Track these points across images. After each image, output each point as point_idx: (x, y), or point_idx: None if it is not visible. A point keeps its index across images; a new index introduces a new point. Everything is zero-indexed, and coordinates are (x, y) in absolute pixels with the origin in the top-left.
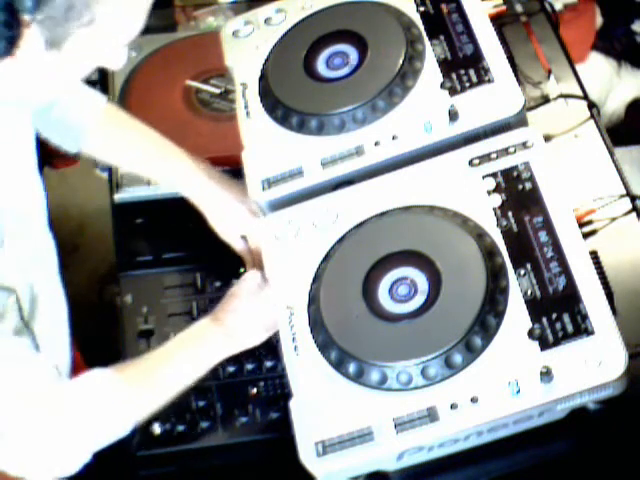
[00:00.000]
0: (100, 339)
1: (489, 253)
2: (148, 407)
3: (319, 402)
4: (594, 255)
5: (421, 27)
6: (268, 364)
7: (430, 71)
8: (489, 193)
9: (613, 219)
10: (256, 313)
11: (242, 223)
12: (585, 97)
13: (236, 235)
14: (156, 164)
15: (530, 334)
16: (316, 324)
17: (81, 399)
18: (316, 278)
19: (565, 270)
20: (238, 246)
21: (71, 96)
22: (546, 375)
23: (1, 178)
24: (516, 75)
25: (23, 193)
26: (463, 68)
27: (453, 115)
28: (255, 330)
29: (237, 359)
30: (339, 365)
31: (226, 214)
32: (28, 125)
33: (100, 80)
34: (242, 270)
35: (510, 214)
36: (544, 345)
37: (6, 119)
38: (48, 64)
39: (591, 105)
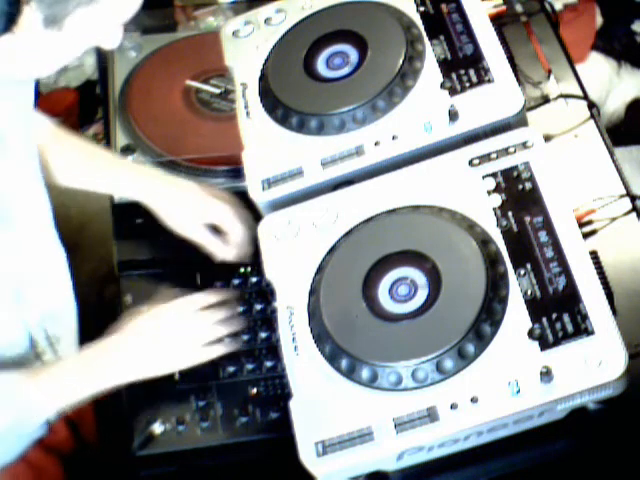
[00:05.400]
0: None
1: (491, 258)
2: (53, 410)
3: (319, 402)
4: (594, 255)
5: (421, 27)
6: (268, 364)
7: (430, 71)
8: (489, 193)
9: (613, 219)
10: (181, 342)
11: (200, 207)
12: (585, 97)
13: (194, 224)
14: (104, 175)
15: (530, 334)
16: (316, 323)
17: None
18: (316, 278)
19: (565, 270)
20: (198, 236)
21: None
22: (546, 375)
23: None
24: (516, 75)
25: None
26: (463, 68)
27: (453, 115)
28: (164, 361)
29: (237, 359)
30: (339, 365)
31: (178, 201)
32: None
33: (100, 80)
34: (242, 270)
35: (510, 214)
36: (544, 345)
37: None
38: (46, 42)
39: (591, 105)
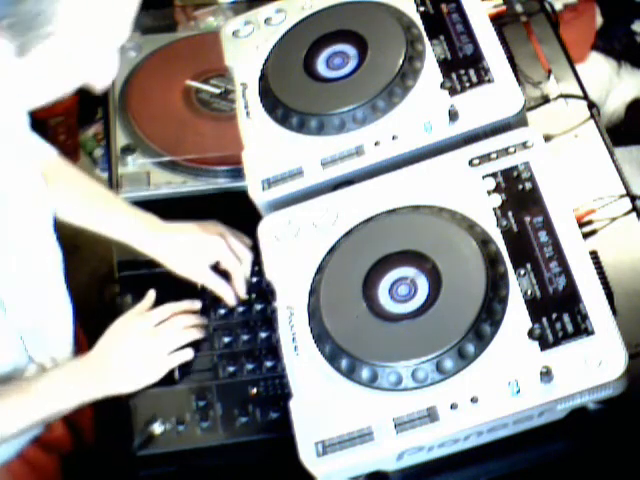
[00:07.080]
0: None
1: (491, 258)
2: None
3: (319, 402)
4: (594, 255)
5: (421, 27)
6: (268, 364)
7: (430, 71)
8: (489, 193)
9: (613, 219)
10: (140, 361)
11: (199, 248)
12: (585, 97)
13: (199, 267)
14: (102, 218)
15: (530, 334)
16: (316, 324)
17: None
18: (316, 278)
19: (565, 270)
20: (206, 280)
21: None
22: (546, 375)
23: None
24: (516, 75)
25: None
26: (463, 68)
27: (453, 115)
28: (133, 378)
29: (237, 359)
30: (339, 365)
31: (179, 248)
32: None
33: None
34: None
35: (510, 214)
36: (544, 345)
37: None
38: (19, 73)
39: (591, 105)
